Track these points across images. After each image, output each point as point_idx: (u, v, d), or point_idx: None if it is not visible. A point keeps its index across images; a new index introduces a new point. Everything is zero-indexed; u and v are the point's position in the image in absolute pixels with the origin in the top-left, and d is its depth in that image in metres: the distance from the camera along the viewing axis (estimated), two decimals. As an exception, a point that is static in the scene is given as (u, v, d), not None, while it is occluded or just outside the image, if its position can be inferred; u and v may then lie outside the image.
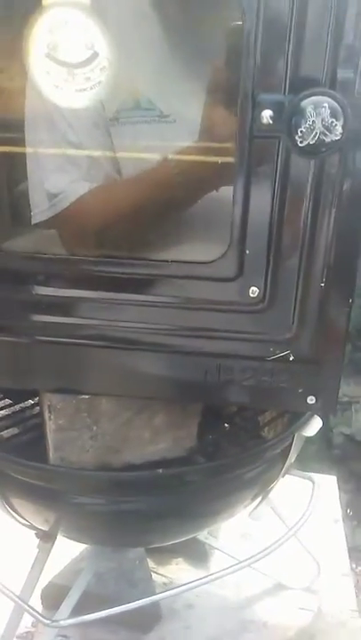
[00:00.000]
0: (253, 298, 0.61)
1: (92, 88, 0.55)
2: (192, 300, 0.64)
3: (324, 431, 0.77)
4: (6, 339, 0.69)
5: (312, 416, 0.77)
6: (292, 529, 0.81)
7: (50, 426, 0.72)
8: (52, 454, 0.73)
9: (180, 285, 0.63)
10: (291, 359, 0.64)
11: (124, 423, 0.72)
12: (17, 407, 0.89)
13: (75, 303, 0.67)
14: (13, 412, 0.88)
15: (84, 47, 0.54)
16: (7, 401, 0.89)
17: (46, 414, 0.72)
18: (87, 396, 0.71)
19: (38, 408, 0.83)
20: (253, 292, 0.61)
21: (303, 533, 0.87)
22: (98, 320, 0.66)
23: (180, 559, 1.08)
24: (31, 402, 0.88)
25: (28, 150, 0.67)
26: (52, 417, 0.71)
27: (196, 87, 0.64)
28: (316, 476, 0.89)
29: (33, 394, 0.85)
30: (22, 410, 0.89)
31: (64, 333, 0.67)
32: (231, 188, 0.58)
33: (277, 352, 0.64)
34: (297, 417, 0.77)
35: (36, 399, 0.85)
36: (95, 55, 0.54)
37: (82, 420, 0.71)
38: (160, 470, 0.71)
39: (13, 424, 0.85)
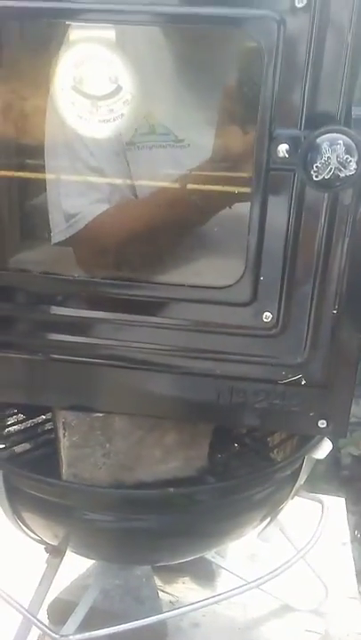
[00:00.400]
0: (267, 323, 0.62)
1: (114, 120, 0.57)
2: (206, 323, 0.65)
3: (333, 452, 0.78)
4: (22, 356, 0.71)
5: (322, 438, 0.78)
6: (301, 551, 0.82)
7: (64, 443, 0.73)
8: (64, 470, 0.74)
9: (195, 309, 0.65)
10: (302, 383, 0.65)
11: (136, 441, 0.73)
12: (29, 422, 0.90)
13: (90, 324, 0.68)
14: (26, 428, 0.89)
15: (109, 81, 0.56)
16: (18, 416, 0.90)
17: (60, 431, 0.73)
18: (101, 414, 0.72)
19: (51, 424, 0.84)
20: (267, 317, 0.62)
21: (311, 555, 0.87)
22: (113, 340, 0.68)
23: (186, 578, 1.08)
24: (43, 417, 0.89)
25: (49, 176, 0.69)
26: (66, 434, 0.72)
27: (208, 114, 0.66)
28: (324, 498, 0.89)
29: (46, 409, 0.86)
30: (35, 425, 0.90)
31: (80, 353, 0.69)
32: (245, 212, 0.60)
33: (289, 376, 0.65)
34: (307, 439, 0.78)
35: (49, 414, 0.87)
36: (119, 89, 0.56)
37: (95, 438, 0.72)
38: (171, 489, 0.72)
39: (26, 439, 0.87)
